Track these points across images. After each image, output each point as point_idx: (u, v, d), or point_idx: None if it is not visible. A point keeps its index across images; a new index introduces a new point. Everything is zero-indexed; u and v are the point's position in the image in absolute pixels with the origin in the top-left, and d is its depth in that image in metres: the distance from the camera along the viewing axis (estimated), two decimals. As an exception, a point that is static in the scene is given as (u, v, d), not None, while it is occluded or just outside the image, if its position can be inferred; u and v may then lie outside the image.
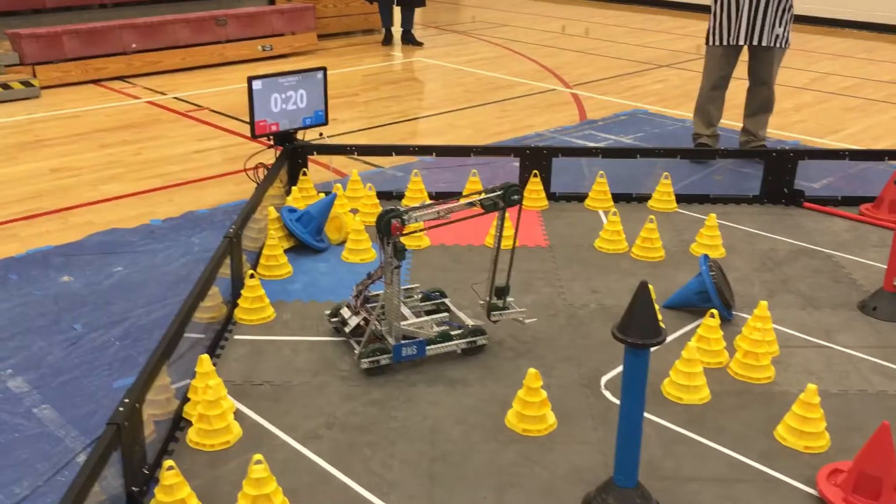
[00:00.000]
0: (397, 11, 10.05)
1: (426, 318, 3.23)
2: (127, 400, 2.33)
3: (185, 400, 2.85)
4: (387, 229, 2.95)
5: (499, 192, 3.14)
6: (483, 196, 3.15)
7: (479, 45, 10.19)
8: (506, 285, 3.30)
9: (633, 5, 13.59)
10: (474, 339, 3.22)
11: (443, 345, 3.18)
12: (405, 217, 2.98)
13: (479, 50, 9.88)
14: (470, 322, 3.29)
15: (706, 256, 3.53)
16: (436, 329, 3.20)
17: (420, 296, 3.45)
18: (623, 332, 2.19)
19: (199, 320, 3.31)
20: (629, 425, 2.30)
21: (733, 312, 3.50)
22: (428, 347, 3.15)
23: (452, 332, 3.21)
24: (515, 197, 3.15)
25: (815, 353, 3.25)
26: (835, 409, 2.87)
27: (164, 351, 2.64)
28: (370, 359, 3.07)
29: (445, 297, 3.51)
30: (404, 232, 2.99)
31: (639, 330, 2.17)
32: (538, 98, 7.52)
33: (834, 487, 2.44)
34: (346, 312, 3.31)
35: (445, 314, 3.30)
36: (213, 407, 2.66)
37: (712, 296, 3.40)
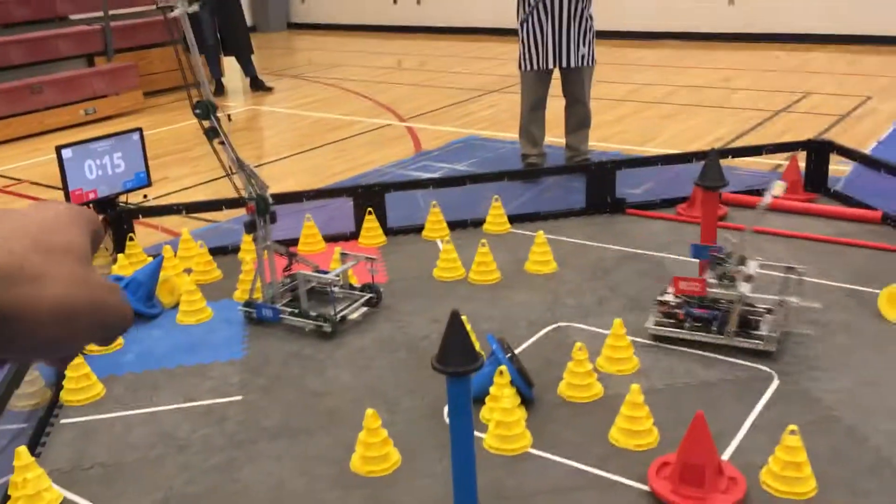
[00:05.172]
0: (228, 62, 9.93)
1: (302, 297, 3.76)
2: (-73, 510, 2.16)
3: (7, 498, 2.67)
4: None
5: None
6: None
7: (312, 88, 10.19)
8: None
9: (464, 35, 13.98)
10: (320, 324, 3.65)
11: (294, 318, 3.71)
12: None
13: (313, 92, 9.88)
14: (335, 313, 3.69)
15: (491, 336, 3.21)
16: (305, 305, 3.74)
17: (360, 286, 3.94)
18: (441, 363, 2.22)
19: (20, 409, 3.13)
20: (461, 452, 2.34)
21: (533, 391, 3.12)
22: (282, 316, 3.72)
23: (312, 312, 3.68)
24: None
25: (644, 354, 3.40)
26: (663, 404, 3.01)
27: (-27, 449, 2.47)
28: (245, 308, 3.81)
29: (377, 295, 3.91)
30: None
31: (456, 358, 2.22)
32: (374, 135, 7.59)
33: (663, 481, 2.56)
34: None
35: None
36: (35, 501, 2.51)
37: (513, 378, 2.98)
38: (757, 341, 3.26)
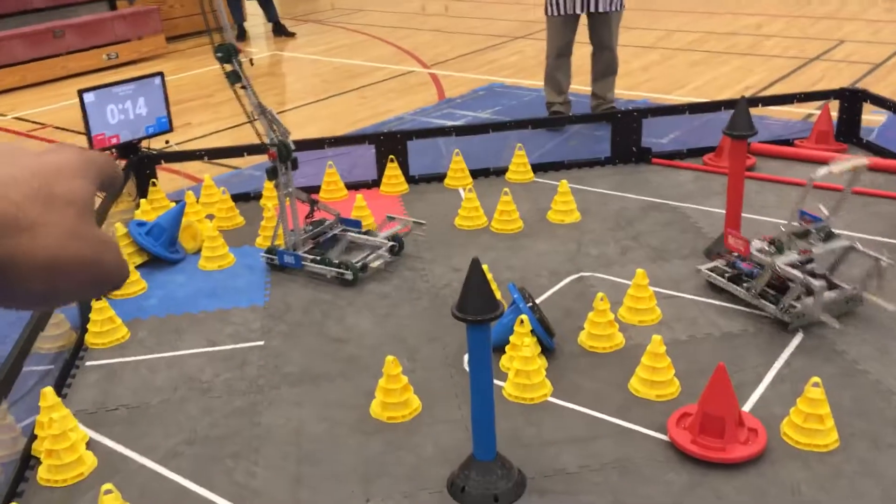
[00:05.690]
0: (250, 7, 9.83)
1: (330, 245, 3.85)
2: (-44, 448, 2.20)
3: (34, 437, 2.72)
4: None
5: None
6: None
7: (335, 33, 10.08)
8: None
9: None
10: (342, 271, 3.66)
11: (316, 265, 3.71)
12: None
13: (336, 38, 9.77)
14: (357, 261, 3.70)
15: (512, 285, 3.17)
16: (331, 254, 3.77)
17: (383, 234, 3.94)
18: (461, 311, 2.21)
19: (46, 351, 3.17)
20: (480, 399, 2.34)
21: (554, 341, 3.11)
22: (304, 263, 3.73)
23: (334, 260, 3.70)
24: None
25: (666, 304, 3.37)
26: (684, 355, 2.99)
27: (1, 388, 2.51)
28: (267, 255, 3.83)
29: (400, 245, 3.93)
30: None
31: (476, 306, 2.20)
32: (397, 81, 7.51)
33: (683, 431, 2.55)
34: None
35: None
36: (61, 440, 2.55)
37: (534, 327, 2.98)
38: (773, 307, 3.16)
